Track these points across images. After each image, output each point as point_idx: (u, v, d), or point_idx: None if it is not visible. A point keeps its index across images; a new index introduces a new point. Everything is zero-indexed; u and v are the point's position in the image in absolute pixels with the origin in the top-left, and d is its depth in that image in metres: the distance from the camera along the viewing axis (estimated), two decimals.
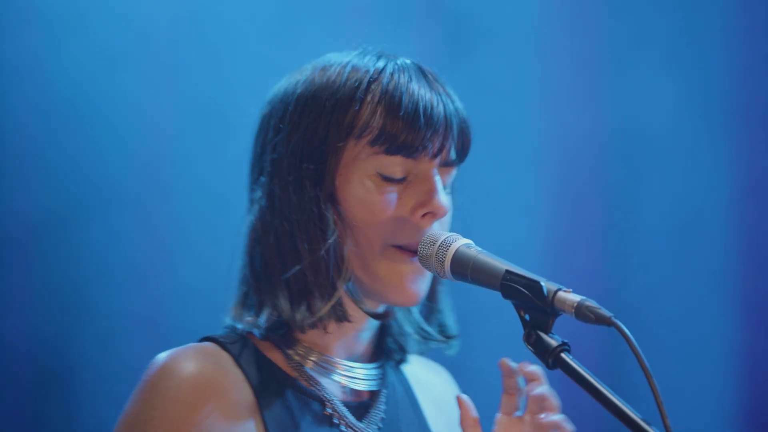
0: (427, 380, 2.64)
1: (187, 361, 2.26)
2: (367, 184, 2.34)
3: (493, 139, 3.89)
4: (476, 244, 2.30)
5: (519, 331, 2.22)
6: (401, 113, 2.33)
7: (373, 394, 2.46)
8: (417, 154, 2.34)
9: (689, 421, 3.87)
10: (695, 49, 4.01)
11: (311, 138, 2.35)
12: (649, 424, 1.99)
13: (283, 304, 2.33)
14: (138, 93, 3.64)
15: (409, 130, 2.33)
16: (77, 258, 3.58)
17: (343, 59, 2.41)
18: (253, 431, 2.27)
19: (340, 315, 2.34)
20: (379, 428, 2.43)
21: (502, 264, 2.18)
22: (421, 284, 2.37)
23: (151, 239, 3.62)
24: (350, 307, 2.37)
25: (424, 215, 2.33)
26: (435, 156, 2.36)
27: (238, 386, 2.29)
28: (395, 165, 2.34)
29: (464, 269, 2.24)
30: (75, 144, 3.59)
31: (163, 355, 2.28)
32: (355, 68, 2.38)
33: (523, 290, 2.11)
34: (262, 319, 2.34)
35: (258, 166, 2.41)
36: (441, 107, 2.36)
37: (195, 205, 3.66)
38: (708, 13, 4.01)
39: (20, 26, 3.55)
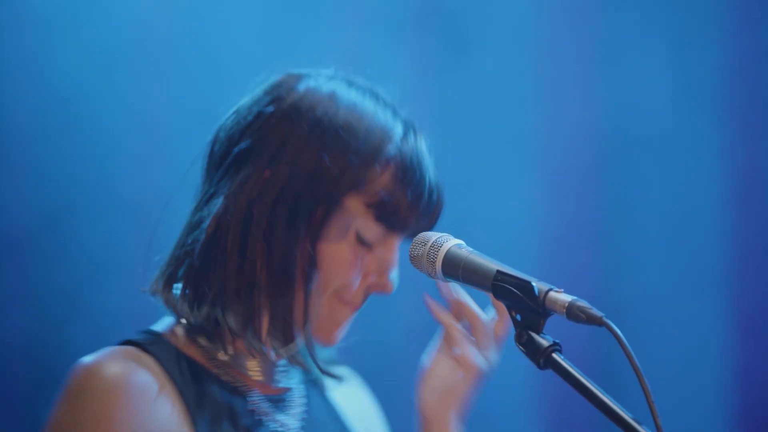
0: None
1: (112, 362, 2.23)
2: (343, 242, 2.33)
3: (487, 138, 3.90)
4: (469, 244, 2.30)
5: (510, 331, 2.24)
6: (408, 193, 2.34)
7: (292, 390, 2.46)
8: (402, 232, 2.37)
9: (681, 421, 3.87)
10: (691, 46, 4.01)
11: (324, 174, 2.30)
12: (640, 423, 1.99)
13: (234, 320, 2.32)
14: (136, 93, 3.64)
15: (409, 211, 2.35)
16: (73, 257, 3.58)
17: (371, 107, 2.36)
18: (181, 427, 2.26)
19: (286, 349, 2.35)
20: (303, 419, 2.44)
21: (493, 264, 2.18)
22: (344, 331, 2.41)
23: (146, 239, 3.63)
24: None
25: (372, 285, 2.37)
26: (410, 234, 2.37)
27: (162, 385, 2.27)
28: (373, 230, 2.34)
29: (455, 270, 2.24)
30: (71, 144, 3.59)
31: (85, 359, 2.25)
32: (384, 127, 2.35)
33: (515, 290, 2.12)
34: (199, 318, 2.33)
35: (242, 162, 2.34)
36: (437, 193, 2.38)
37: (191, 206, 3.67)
38: (703, 7, 4.01)
39: (17, 26, 3.56)
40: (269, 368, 2.42)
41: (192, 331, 2.34)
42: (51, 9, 3.55)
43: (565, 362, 2.08)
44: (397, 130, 2.35)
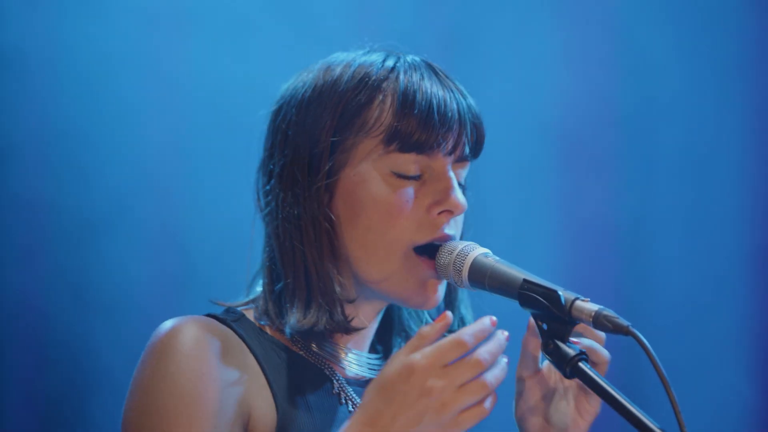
0: None
1: (194, 325, 2.27)
2: (382, 184, 2.34)
3: (510, 145, 3.90)
4: (494, 252, 2.31)
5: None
6: (415, 111, 2.33)
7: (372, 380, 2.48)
8: (431, 151, 2.34)
9: (707, 429, 3.86)
10: (704, 40, 4.00)
11: (319, 138, 2.35)
12: None
13: (297, 309, 2.34)
14: (138, 94, 3.65)
15: (423, 128, 2.33)
16: (86, 257, 3.59)
17: (350, 57, 2.42)
18: (262, 392, 2.28)
19: (347, 328, 2.36)
20: None
21: (519, 273, 2.19)
22: (441, 290, 2.38)
23: (164, 237, 3.64)
24: (360, 305, 2.40)
25: (440, 212, 2.34)
26: (449, 153, 2.36)
27: (243, 353, 2.30)
28: (409, 163, 2.34)
29: (482, 278, 2.24)
30: (82, 144, 3.60)
31: (167, 322, 2.28)
32: (362, 66, 2.38)
33: (541, 299, 2.12)
34: (286, 315, 2.36)
35: (267, 170, 2.42)
36: (454, 104, 2.37)
37: (200, 204, 3.68)
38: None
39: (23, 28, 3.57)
40: (357, 358, 2.43)
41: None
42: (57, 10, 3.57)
43: (592, 371, 2.08)
44: (382, 65, 2.38)
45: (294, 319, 2.32)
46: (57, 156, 3.59)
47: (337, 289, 2.34)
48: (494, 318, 2.06)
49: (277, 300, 2.38)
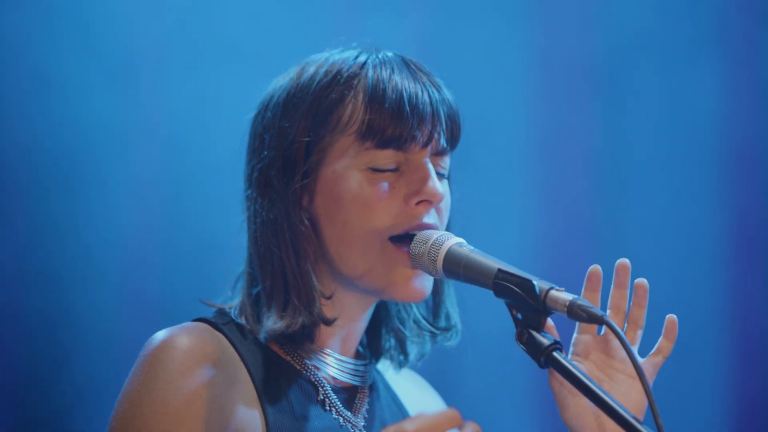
0: (405, 384, 2.67)
1: (186, 335, 2.28)
2: (359, 179, 2.33)
3: (485, 135, 3.90)
4: (470, 243, 2.30)
5: (511, 329, 2.23)
6: (386, 106, 2.33)
7: (358, 388, 2.48)
8: (406, 145, 2.34)
9: (680, 418, 3.88)
10: (687, 50, 4.02)
11: (294, 139, 2.35)
12: (640, 422, 1.99)
13: (273, 312, 2.35)
14: (135, 95, 3.64)
15: (395, 121, 2.33)
16: (72, 250, 3.58)
17: (322, 57, 2.42)
18: (251, 405, 2.29)
19: (326, 321, 2.36)
20: (365, 418, 2.45)
21: (494, 263, 2.18)
22: (425, 282, 2.38)
23: (151, 233, 3.63)
24: (343, 304, 2.40)
25: (419, 203, 2.34)
26: (425, 145, 2.36)
27: (233, 363, 2.31)
28: (386, 158, 2.34)
29: (456, 268, 2.24)
30: (72, 139, 3.59)
31: (160, 333, 2.29)
32: (334, 64, 2.39)
33: (516, 289, 2.11)
34: (263, 319, 2.36)
35: (246, 175, 2.43)
36: (426, 96, 2.36)
37: (191, 200, 3.67)
38: (699, 16, 4.02)
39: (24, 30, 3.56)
40: (342, 364, 2.44)
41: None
42: (58, 14, 3.55)
43: (566, 361, 2.08)
44: (354, 62, 2.38)
45: (270, 322, 2.33)
46: (38, 153, 3.58)
47: (317, 287, 2.34)
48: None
49: (254, 304, 2.39)
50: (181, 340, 2.27)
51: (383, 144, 2.33)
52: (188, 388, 2.23)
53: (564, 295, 2.08)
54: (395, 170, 2.35)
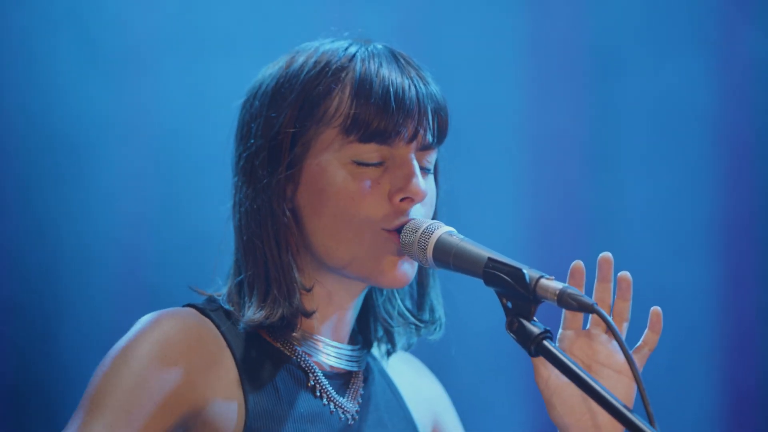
0: (401, 368, 2.67)
1: (172, 319, 2.29)
2: (343, 172, 2.33)
3: (475, 126, 3.90)
4: (460, 232, 2.30)
5: (502, 318, 2.23)
6: (372, 100, 2.32)
7: (352, 374, 2.47)
8: (391, 140, 2.33)
9: (671, 407, 3.88)
10: (679, 42, 4.02)
11: (279, 129, 2.35)
12: (630, 410, 1.99)
13: (254, 302, 2.35)
14: (129, 90, 3.64)
15: (381, 116, 2.32)
16: (64, 246, 3.58)
17: (313, 47, 2.41)
18: (232, 388, 2.29)
19: (305, 312, 2.36)
20: (359, 404, 2.45)
21: (484, 251, 2.18)
22: (409, 267, 2.37)
23: (143, 227, 3.63)
24: (331, 292, 2.40)
25: (402, 200, 2.33)
26: (410, 140, 2.35)
27: (218, 347, 2.31)
28: (370, 152, 2.34)
29: (446, 257, 2.24)
30: (69, 138, 3.58)
31: (148, 315, 2.30)
32: (324, 55, 2.37)
33: (506, 278, 2.11)
34: (245, 308, 2.36)
35: (233, 163, 2.43)
36: (413, 91, 2.35)
37: (188, 193, 3.66)
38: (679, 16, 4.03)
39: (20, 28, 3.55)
40: (335, 350, 2.43)
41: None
42: (51, 10, 3.55)
43: (556, 349, 2.08)
44: (343, 54, 2.37)
45: (250, 312, 2.33)
46: (30, 144, 3.57)
47: (298, 279, 2.35)
48: None
49: (238, 293, 2.39)
50: (167, 322, 2.28)
51: (367, 138, 2.32)
52: (165, 364, 2.23)
53: (554, 284, 2.08)
54: (380, 164, 2.34)
